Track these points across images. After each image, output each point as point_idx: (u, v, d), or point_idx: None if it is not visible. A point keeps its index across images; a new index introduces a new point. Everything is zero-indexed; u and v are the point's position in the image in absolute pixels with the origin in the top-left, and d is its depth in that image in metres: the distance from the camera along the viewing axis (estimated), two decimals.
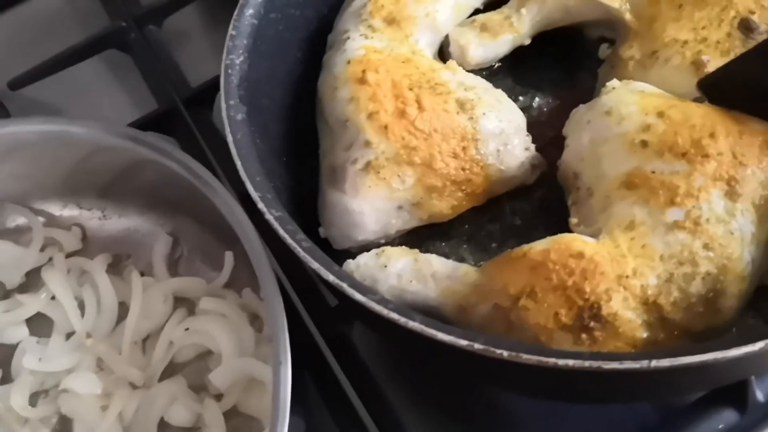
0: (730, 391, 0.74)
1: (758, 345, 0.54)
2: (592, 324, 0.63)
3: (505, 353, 0.56)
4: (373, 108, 0.77)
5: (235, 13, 0.77)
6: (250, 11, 0.78)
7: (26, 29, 1.16)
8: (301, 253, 0.62)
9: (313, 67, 0.86)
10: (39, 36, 1.15)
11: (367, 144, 0.76)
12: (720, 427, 0.74)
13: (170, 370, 0.77)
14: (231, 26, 0.77)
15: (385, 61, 0.80)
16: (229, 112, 0.71)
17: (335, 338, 0.82)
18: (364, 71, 0.79)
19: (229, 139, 0.69)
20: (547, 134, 0.83)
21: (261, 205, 0.65)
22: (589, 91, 0.84)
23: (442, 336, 0.57)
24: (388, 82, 0.78)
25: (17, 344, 0.81)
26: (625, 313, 0.64)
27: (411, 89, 0.78)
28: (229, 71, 0.74)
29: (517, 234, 0.80)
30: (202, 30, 1.12)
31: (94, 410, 0.75)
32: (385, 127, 0.76)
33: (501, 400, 0.80)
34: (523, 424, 0.79)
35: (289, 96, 0.85)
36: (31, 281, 0.85)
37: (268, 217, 0.65)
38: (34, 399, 0.77)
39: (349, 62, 0.80)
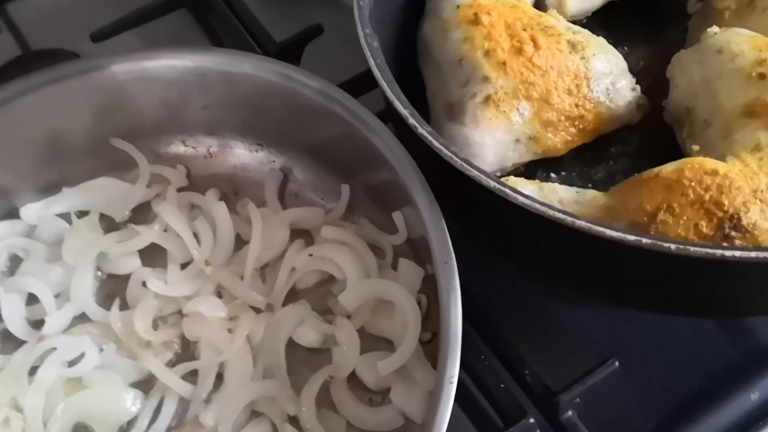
0: None
1: None
2: (733, 233, 0.66)
3: (673, 246, 0.59)
4: (490, 46, 0.80)
5: None
6: None
7: None
8: (458, 163, 0.64)
9: (413, 16, 0.88)
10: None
11: (486, 79, 0.79)
12: None
13: (293, 296, 0.78)
14: None
15: (495, 5, 0.83)
16: (366, 39, 0.73)
17: None
18: (476, 14, 0.82)
19: (371, 63, 0.71)
20: (645, 81, 0.87)
21: (412, 121, 0.67)
22: (676, 44, 0.89)
23: (610, 233, 0.60)
24: (501, 23, 0.81)
25: (130, 275, 0.80)
26: (764, 222, 0.67)
27: (524, 30, 0.81)
28: (361, 3, 0.76)
29: (624, 172, 0.83)
30: None
31: (222, 333, 0.75)
32: (504, 63, 0.79)
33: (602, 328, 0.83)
34: (619, 350, 0.80)
35: (394, 42, 0.87)
36: (139, 216, 0.85)
37: (421, 131, 0.67)
38: (154, 325, 0.77)
39: (458, 6, 0.83)
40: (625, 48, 0.92)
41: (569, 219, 0.61)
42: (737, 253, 0.58)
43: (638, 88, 0.84)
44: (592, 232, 0.60)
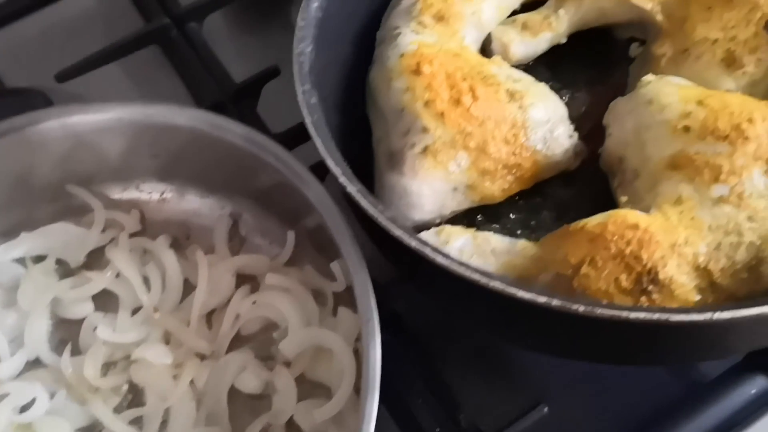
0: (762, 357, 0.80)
1: None
2: (650, 287, 0.69)
3: (581, 308, 0.61)
4: (429, 97, 0.82)
5: (303, 4, 0.82)
6: (315, 4, 0.83)
7: (66, 27, 1.20)
8: (385, 222, 0.67)
9: (362, 63, 0.91)
10: (78, 34, 1.18)
11: (425, 129, 0.81)
12: (753, 392, 0.80)
13: (236, 343, 0.81)
14: (299, 17, 0.81)
15: (437, 54, 0.85)
16: (304, 96, 0.76)
17: (386, 316, 0.85)
18: (418, 63, 0.84)
19: (308, 120, 0.74)
20: (584, 127, 0.89)
21: (343, 179, 0.70)
22: (620, 87, 0.91)
23: (522, 294, 0.62)
24: (442, 73, 0.84)
25: (83, 320, 0.83)
26: (680, 277, 0.69)
27: (464, 80, 0.83)
28: (301, 59, 0.79)
29: (561, 216, 0.85)
30: (242, 27, 1.17)
31: (167, 379, 0.78)
32: (442, 114, 0.81)
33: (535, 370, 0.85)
34: (550, 393, 0.83)
35: (342, 89, 0.90)
36: (93, 261, 0.87)
37: (351, 189, 0.69)
38: (103, 370, 0.80)
39: (402, 55, 0.86)
40: (570, 91, 0.94)
41: (483, 280, 0.63)
42: (641, 315, 0.60)
43: (576, 135, 0.86)
44: (505, 293, 0.63)
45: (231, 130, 0.79)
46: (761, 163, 0.73)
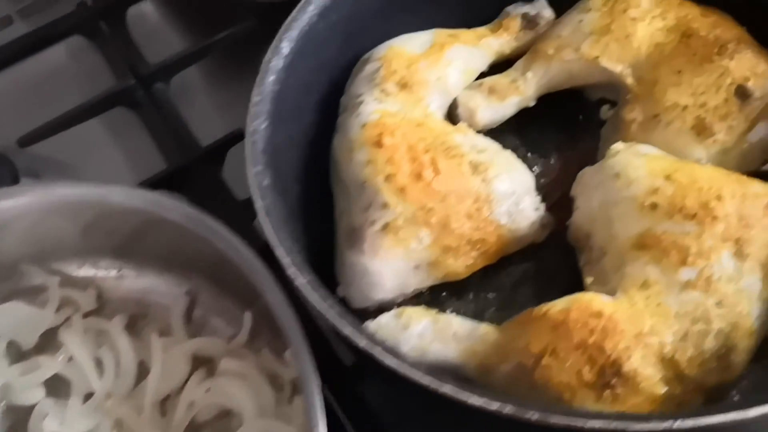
0: None
1: None
2: (613, 381, 0.66)
3: (535, 416, 0.58)
4: (391, 170, 0.79)
5: (258, 79, 0.80)
6: (272, 78, 0.80)
7: (30, 87, 1.18)
8: (334, 318, 0.64)
9: (326, 130, 0.88)
10: (43, 94, 1.16)
11: (385, 206, 0.78)
12: None
13: (192, 430, 0.77)
14: (254, 92, 0.79)
15: (400, 124, 0.83)
16: (256, 179, 0.73)
17: (349, 398, 0.82)
18: (380, 134, 0.81)
19: (258, 205, 0.71)
20: (554, 194, 0.86)
21: (291, 270, 0.67)
22: (591, 151, 0.88)
23: (473, 400, 0.59)
24: (404, 145, 0.81)
25: (34, 406, 0.81)
26: (645, 369, 0.66)
27: (426, 152, 0.80)
28: (255, 138, 0.76)
29: (529, 292, 0.82)
30: (209, 88, 1.14)
31: None
32: (403, 189, 0.78)
33: None
34: None
35: (304, 159, 0.87)
36: (47, 342, 0.85)
37: (299, 282, 0.66)
38: None
39: (364, 126, 0.83)
40: (539, 157, 0.91)
41: (433, 386, 0.60)
42: (597, 424, 0.57)
43: (542, 207, 0.83)
44: (456, 399, 0.60)
45: (178, 211, 0.76)
46: (730, 245, 0.70)
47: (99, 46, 1.17)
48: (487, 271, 0.82)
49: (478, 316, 0.82)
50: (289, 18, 0.84)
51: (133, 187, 0.86)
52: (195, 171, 1.01)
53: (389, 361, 0.61)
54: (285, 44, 0.82)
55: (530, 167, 0.89)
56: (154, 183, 0.99)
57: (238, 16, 1.14)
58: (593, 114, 0.92)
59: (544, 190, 0.87)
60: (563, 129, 0.92)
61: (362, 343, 0.63)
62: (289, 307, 0.70)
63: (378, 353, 0.62)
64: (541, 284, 0.82)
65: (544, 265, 0.84)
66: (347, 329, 0.63)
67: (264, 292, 0.71)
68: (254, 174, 0.73)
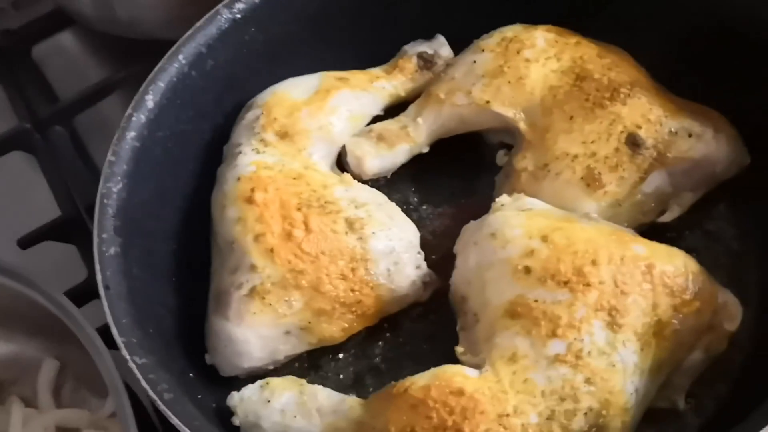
0: None
1: None
2: None
3: None
4: (260, 230, 0.75)
5: (116, 137, 0.75)
6: (131, 134, 0.76)
7: None
8: (162, 407, 0.60)
9: (208, 180, 0.84)
10: None
11: (253, 268, 0.74)
12: None
13: None
14: (110, 151, 0.75)
15: (276, 178, 0.78)
16: (101, 248, 0.69)
17: None
18: (252, 190, 0.77)
19: (98, 278, 0.67)
20: (445, 245, 0.81)
21: (124, 352, 0.63)
22: (488, 200, 0.83)
23: None
24: (276, 201, 0.76)
25: None
26: None
27: (299, 209, 0.76)
28: (105, 201, 0.72)
29: (411, 354, 0.78)
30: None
31: None
32: (271, 251, 0.74)
33: None
34: None
35: (181, 213, 0.83)
36: None
37: (131, 365, 0.62)
38: None
39: (239, 179, 0.79)
40: (431, 207, 0.86)
41: None
42: None
43: (424, 265, 0.78)
44: None
45: (28, 283, 0.72)
46: (603, 315, 0.65)
47: (2, 86, 1.13)
48: (369, 331, 0.78)
49: (357, 380, 0.77)
50: (156, 68, 0.79)
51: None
52: (87, 220, 0.96)
53: None
54: (149, 97, 0.78)
55: (424, 217, 0.85)
56: (44, 232, 0.95)
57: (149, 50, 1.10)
58: (492, 158, 0.87)
59: (437, 241, 0.83)
60: (460, 175, 0.87)
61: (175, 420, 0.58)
62: (128, 402, 0.65)
63: None
64: (424, 346, 0.78)
65: (429, 325, 0.79)
66: (174, 420, 0.59)
67: (108, 382, 0.67)
68: (98, 242, 0.69)
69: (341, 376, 0.78)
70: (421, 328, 0.79)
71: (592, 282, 0.66)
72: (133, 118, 0.76)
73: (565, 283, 0.66)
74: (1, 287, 0.74)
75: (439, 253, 0.81)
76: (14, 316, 0.79)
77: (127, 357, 0.62)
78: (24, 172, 1.07)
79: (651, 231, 0.76)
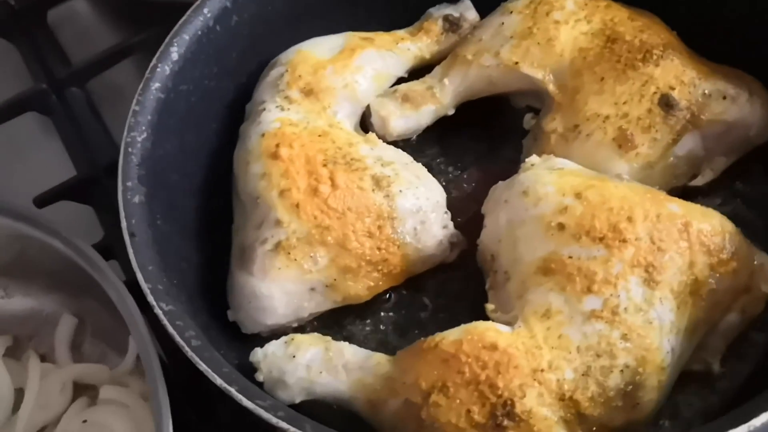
0: None
1: None
2: (505, 422, 0.60)
3: None
4: (285, 185, 0.73)
5: (140, 86, 0.74)
6: (156, 85, 0.74)
7: None
8: (189, 353, 0.58)
9: (231, 139, 0.82)
10: None
11: (278, 223, 0.73)
12: None
13: None
14: (135, 101, 0.73)
15: (301, 134, 0.77)
16: (126, 195, 0.67)
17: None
18: (277, 145, 0.76)
19: (123, 225, 0.65)
20: (471, 208, 0.80)
21: (150, 298, 0.61)
22: (514, 163, 0.82)
23: None
24: (302, 157, 0.75)
25: None
26: (540, 410, 0.60)
27: (325, 165, 0.74)
28: (130, 149, 0.70)
29: (439, 314, 0.77)
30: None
31: None
32: (297, 206, 0.73)
33: None
34: None
35: (203, 169, 0.81)
36: None
37: (157, 311, 0.61)
38: None
39: (263, 135, 0.77)
40: (457, 169, 0.85)
41: (292, 430, 0.54)
42: None
43: (451, 225, 0.77)
44: None
45: (51, 233, 0.71)
46: (639, 271, 0.64)
47: (18, 48, 1.11)
48: (394, 291, 0.76)
49: (381, 342, 0.76)
50: (181, 21, 0.78)
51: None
52: (103, 179, 0.94)
53: (246, 402, 0.55)
54: (174, 48, 0.76)
55: (451, 180, 0.84)
56: (59, 192, 0.93)
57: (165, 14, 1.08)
58: (518, 122, 0.86)
59: (463, 203, 0.81)
60: (486, 138, 0.86)
61: (218, 381, 0.57)
62: (154, 345, 0.64)
63: (235, 393, 0.56)
64: (452, 306, 0.76)
65: (456, 285, 0.78)
66: (202, 366, 0.57)
67: (131, 328, 0.65)
68: (123, 190, 0.67)
69: (363, 337, 0.76)
70: (448, 289, 0.78)
71: (628, 238, 0.65)
72: (158, 69, 0.75)
73: (601, 239, 0.65)
74: (22, 236, 0.73)
75: (465, 216, 0.80)
76: (33, 268, 0.78)
77: (154, 303, 0.61)
78: (36, 134, 1.05)
79: (683, 195, 0.75)
